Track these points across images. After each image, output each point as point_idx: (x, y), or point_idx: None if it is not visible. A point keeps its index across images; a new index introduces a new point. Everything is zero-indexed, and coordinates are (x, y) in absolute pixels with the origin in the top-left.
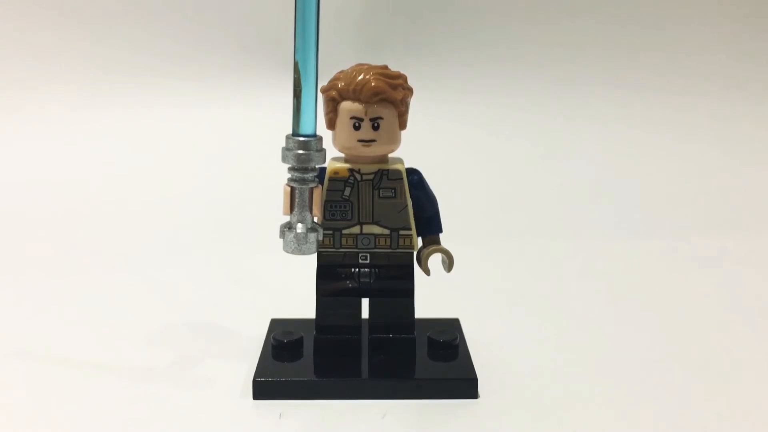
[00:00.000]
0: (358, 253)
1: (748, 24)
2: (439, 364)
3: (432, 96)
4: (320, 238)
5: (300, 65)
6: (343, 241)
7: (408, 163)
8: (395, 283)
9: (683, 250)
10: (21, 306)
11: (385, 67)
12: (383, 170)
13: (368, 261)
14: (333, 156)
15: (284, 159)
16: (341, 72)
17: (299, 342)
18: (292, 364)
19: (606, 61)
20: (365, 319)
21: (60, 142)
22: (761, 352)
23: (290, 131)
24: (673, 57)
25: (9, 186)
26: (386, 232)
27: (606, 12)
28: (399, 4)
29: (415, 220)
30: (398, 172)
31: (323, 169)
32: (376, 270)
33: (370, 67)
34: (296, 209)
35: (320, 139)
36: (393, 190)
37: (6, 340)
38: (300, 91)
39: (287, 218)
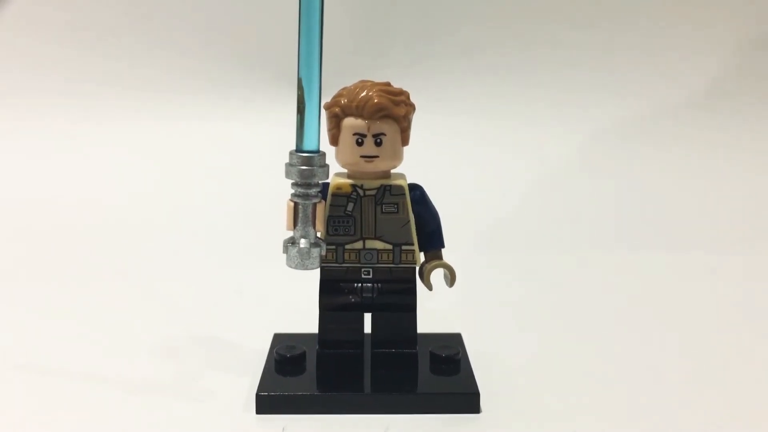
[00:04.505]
0: (360, 268)
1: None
2: (442, 378)
3: (434, 112)
4: (323, 253)
5: (303, 82)
6: (346, 256)
7: (410, 179)
8: (397, 298)
9: (688, 263)
10: (23, 317)
11: (388, 84)
12: (386, 186)
13: (371, 276)
14: (336, 171)
15: (288, 174)
16: (344, 88)
17: (302, 356)
18: (294, 378)
19: (607, 72)
20: (368, 334)
21: (62, 155)
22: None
23: (294, 147)
24: (677, 65)
25: (12, 198)
26: (389, 247)
27: (607, 23)
28: (402, 22)
29: (417, 235)
30: (401, 187)
31: (326, 185)
32: (379, 285)
33: (373, 84)
34: (299, 224)
35: (323, 154)
36: (395, 206)
37: (7, 350)
38: (303, 107)
39: (290, 233)
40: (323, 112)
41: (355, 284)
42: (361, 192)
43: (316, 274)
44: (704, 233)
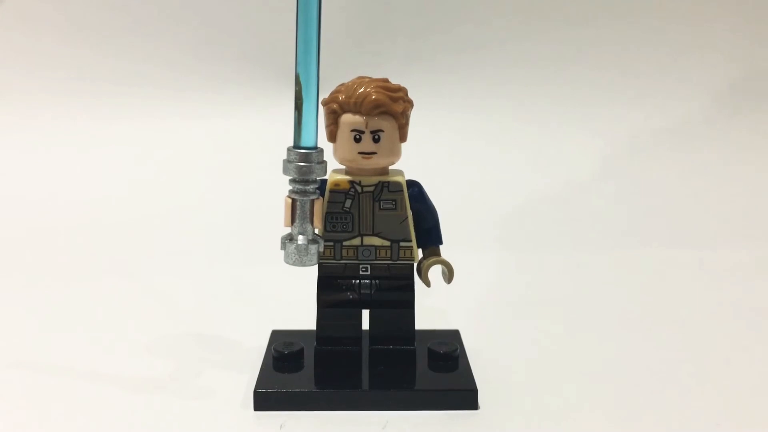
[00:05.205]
0: (358, 264)
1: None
2: (440, 375)
3: (433, 108)
4: (321, 249)
5: (301, 78)
6: (344, 252)
7: (408, 176)
8: (395, 295)
9: (688, 261)
10: (22, 314)
11: (386, 80)
12: (384, 182)
13: (369, 272)
14: (334, 168)
15: (285, 171)
16: (342, 85)
17: (300, 353)
18: (292, 375)
19: (609, 68)
20: (366, 331)
21: (60, 152)
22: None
23: (291, 143)
24: (674, 64)
25: (11, 196)
26: (387, 243)
27: (609, 19)
28: (400, 18)
29: (415, 231)
30: (398, 184)
31: (324, 181)
32: (377, 281)
33: (371, 80)
34: (297, 221)
35: (321, 151)
36: (393, 202)
37: (6, 348)
38: (301, 103)
39: (288, 230)
40: (321, 108)
41: (353, 281)
42: (359, 188)
43: (314, 270)
44: (704, 233)
